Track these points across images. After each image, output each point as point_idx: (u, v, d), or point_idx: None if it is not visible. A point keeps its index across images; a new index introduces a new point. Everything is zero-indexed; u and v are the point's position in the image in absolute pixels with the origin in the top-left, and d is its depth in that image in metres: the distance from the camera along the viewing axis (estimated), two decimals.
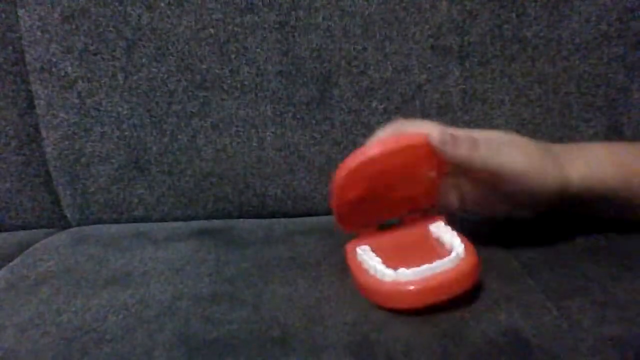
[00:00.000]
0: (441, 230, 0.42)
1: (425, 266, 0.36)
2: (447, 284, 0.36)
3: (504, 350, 0.34)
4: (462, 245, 0.38)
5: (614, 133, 0.55)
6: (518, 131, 0.55)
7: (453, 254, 0.37)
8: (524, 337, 0.35)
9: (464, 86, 0.55)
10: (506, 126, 0.55)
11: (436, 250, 0.41)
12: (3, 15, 0.55)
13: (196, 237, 0.52)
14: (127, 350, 0.35)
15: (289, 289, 0.41)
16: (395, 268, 0.37)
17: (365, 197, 0.41)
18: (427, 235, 0.43)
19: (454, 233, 0.41)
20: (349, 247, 0.43)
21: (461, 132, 0.40)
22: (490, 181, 0.40)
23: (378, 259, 0.39)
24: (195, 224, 0.56)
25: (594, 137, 0.55)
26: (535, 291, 0.40)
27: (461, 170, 0.40)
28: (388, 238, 0.43)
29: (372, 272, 0.39)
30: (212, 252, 0.48)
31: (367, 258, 0.40)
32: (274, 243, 0.50)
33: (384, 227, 0.44)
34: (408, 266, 0.37)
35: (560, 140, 0.55)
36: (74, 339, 0.37)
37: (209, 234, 0.53)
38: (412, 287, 0.36)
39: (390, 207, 0.43)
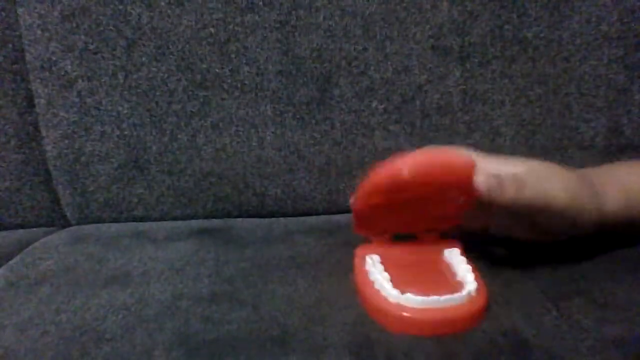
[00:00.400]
0: (455, 258, 0.40)
1: (434, 297, 0.35)
2: (452, 322, 0.35)
3: (504, 350, 0.34)
4: (475, 284, 0.37)
5: (614, 134, 0.55)
6: (518, 132, 0.56)
7: (464, 292, 0.36)
8: (524, 337, 0.35)
9: (464, 87, 0.55)
10: (506, 127, 0.55)
11: (447, 279, 0.39)
12: (3, 14, 0.55)
13: (196, 236, 0.52)
14: (127, 350, 0.35)
15: (289, 288, 0.41)
16: (401, 288, 0.36)
17: (389, 205, 0.39)
18: (440, 259, 0.41)
19: (469, 267, 0.39)
20: (359, 252, 0.42)
21: (504, 170, 0.38)
22: (527, 214, 0.39)
23: (386, 275, 0.38)
24: (194, 224, 0.56)
25: (595, 138, 0.55)
26: (535, 291, 0.40)
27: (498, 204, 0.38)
28: (400, 252, 0.42)
29: (377, 286, 0.37)
30: (211, 252, 0.48)
31: (375, 270, 0.38)
32: (274, 243, 0.49)
33: (398, 238, 0.43)
34: (415, 290, 0.36)
35: (560, 140, 0.55)
36: (74, 338, 0.37)
37: (209, 233, 0.53)
38: (415, 316, 0.35)
39: (410, 220, 0.42)
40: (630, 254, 0.43)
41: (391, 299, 0.36)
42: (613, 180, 0.43)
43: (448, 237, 0.43)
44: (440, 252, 0.41)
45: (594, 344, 0.34)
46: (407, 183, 0.36)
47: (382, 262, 0.39)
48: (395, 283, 0.37)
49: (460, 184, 0.38)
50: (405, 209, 0.40)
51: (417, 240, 0.43)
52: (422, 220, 0.42)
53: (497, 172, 0.38)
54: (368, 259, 0.40)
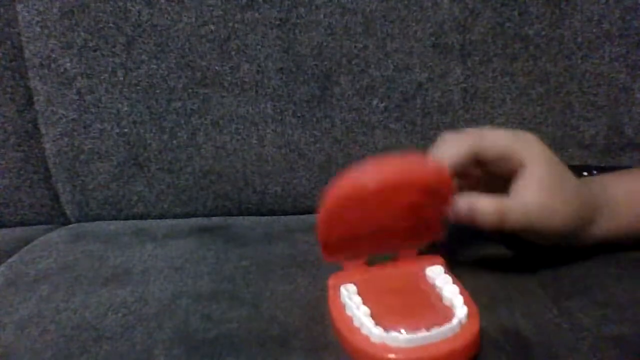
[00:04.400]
0: (439, 278, 0.36)
1: (422, 334, 0.31)
2: (444, 357, 0.31)
3: (504, 349, 0.34)
4: (465, 309, 0.33)
5: (615, 132, 0.55)
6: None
7: (454, 321, 0.32)
8: (524, 336, 0.35)
9: (465, 85, 0.54)
10: (507, 125, 0.55)
11: (433, 305, 0.35)
12: (2, 11, 0.55)
13: (196, 234, 0.52)
14: (127, 348, 0.35)
15: (289, 287, 0.41)
16: (384, 323, 0.32)
17: (357, 222, 0.35)
18: (423, 280, 0.37)
19: (456, 288, 0.35)
20: (331, 282, 0.37)
21: (487, 201, 0.36)
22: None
23: (365, 309, 0.33)
24: (194, 222, 0.56)
25: (595, 137, 0.55)
26: (536, 290, 0.39)
27: None
28: (378, 278, 0.37)
29: (356, 323, 0.33)
30: (211, 250, 0.48)
31: (353, 304, 0.34)
32: (274, 241, 0.49)
33: (374, 261, 0.38)
34: (399, 323, 0.32)
35: (561, 139, 0.55)
36: (73, 336, 0.37)
37: (209, 231, 0.53)
38: (402, 357, 0.31)
39: (385, 238, 0.37)
40: (630, 254, 0.43)
41: (374, 339, 0.32)
42: (622, 192, 0.42)
43: (429, 252, 0.39)
44: (422, 272, 0.37)
45: (595, 343, 0.34)
46: (372, 194, 0.33)
47: (359, 293, 0.35)
48: (376, 317, 0.32)
49: (434, 194, 0.35)
50: (376, 227, 0.36)
51: (394, 260, 0.39)
52: (396, 236, 0.37)
53: (476, 203, 0.36)
54: (343, 289, 0.36)
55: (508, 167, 0.38)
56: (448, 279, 0.36)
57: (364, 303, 0.34)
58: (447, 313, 0.33)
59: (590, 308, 0.37)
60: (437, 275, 0.37)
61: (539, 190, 0.37)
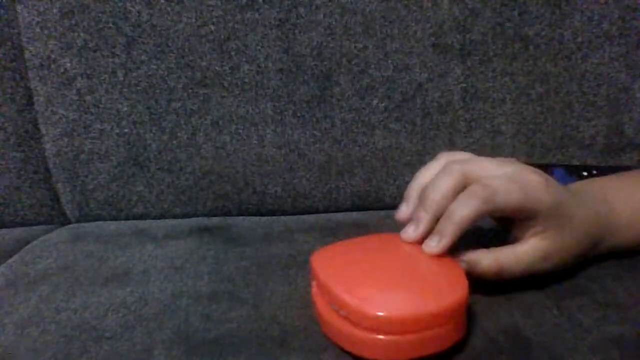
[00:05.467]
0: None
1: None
2: (443, 337, 0.32)
3: (504, 348, 0.34)
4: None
5: (615, 133, 0.55)
6: (518, 130, 0.55)
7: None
8: (524, 335, 0.35)
9: (465, 85, 0.54)
10: (507, 125, 0.55)
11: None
12: (2, 11, 0.55)
13: (196, 234, 0.52)
14: (127, 348, 0.35)
15: (289, 287, 0.41)
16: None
17: None
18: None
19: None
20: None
21: (485, 257, 0.37)
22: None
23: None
24: (194, 222, 0.56)
25: (595, 137, 0.55)
26: (536, 290, 0.39)
27: None
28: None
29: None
30: (211, 250, 0.48)
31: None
32: (274, 241, 0.49)
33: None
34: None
35: (561, 139, 0.55)
36: (73, 336, 0.37)
37: (209, 231, 0.53)
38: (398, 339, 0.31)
39: None
40: (630, 254, 0.43)
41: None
42: (625, 205, 0.42)
43: None
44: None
45: (595, 343, 0.34)
46: None
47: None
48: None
49: None
50: None
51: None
52: None
53: (477, 259, 0.37)
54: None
55: (517, 217, 0.38)
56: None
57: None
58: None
59: (590, 308, 0.37)
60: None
61: (538, 241, 0.38)
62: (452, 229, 0.36)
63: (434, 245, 0.36)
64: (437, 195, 0.37)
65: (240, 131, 0.55)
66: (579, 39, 0.53)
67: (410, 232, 0.37)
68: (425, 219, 0.37)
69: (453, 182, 0.37)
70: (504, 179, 0.37)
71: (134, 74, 0.54)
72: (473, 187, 0.37)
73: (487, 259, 0.37)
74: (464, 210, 0.36)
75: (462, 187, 0.37)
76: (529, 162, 0.42)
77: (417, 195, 0.39)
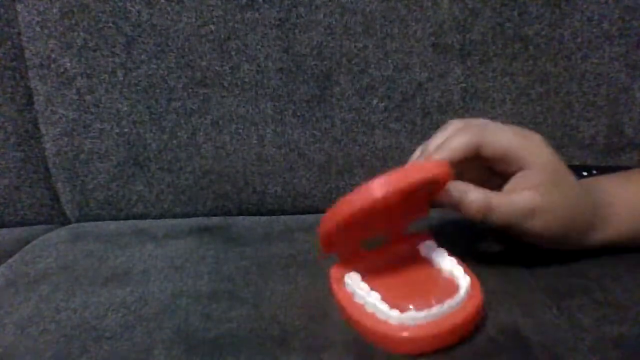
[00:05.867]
0: (434, 252, 0.39)
1: (435, 309, 0.33)
2: (461, 327, 0.34)
3: (504, 348, 0.34)
4: (468, 278, 0.36)
5: (614, 132, 0.55)
6: None
7: (462, 291, 0.34)
8: (524, 335, 0.35)
9: (464, 84, 0.54)
10: None
11: (435, 278, 0.37)
12: (2, 11, 0.55)
13: (196, 234, 0.52)
14: (127, 348, 0.35)
15: (289, 286, 0.41)
16: (396, 305, 0.34)
17: (360, 227, 0.37)
18: (419, 257, 0.39)
19: (453, 259, 0.38)
20: (334, 273, 0.38)
21: (476, 192, 0.36)
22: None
23: (376, 294, 0.35)
24: (194, 221, 0.56)
25: (595, 137, 0.55)
26: (536, 290, 0.39)
27: None
28: (376, 261, 0.39)
29: (369, 309, 0.35)
30: (211, 250, 0.48)
31: (361, 292, 0.35)
32: (274, 240, 0.49)
33: (368, 246, 0.40)
34: (411, 303, 0.34)
35: (561, 139, 0.55)
36: (73, 336, 0.37)
37: (209, 231, 0.53)
38: (422, 333, 0.33)
39: (377, 227, 0.39)
40: (630, 254, 0.43)
41: (392, 321, 0.33)
42: (622, 198, 0.41)
43: (416, 229, 0.41)
44: (416, 249, 0.40)
45: (594, 343, 0.34)
46: (380, 203, 0.33)
47: (364, 280, 0.36)
48: (387, 300, 0.34)
49: (432, 184, 0.36)
50: (377, 223, 0.38)
51: (386, 242, 0.40)
52: (388, 223, 0.39)
53: (489, 203, 0.36)
54: (347, 279, 0.37)
55: (508, 168, 0.38)
56: (443, 251, 0.38)
57: (372, 289, 0.35)
58: (450, 284, 0.36)
59: (590, 308, 0.37)
60: (431, 249, 0.39)
61: (530, 194, 0.37)
62: (440, 154, 0.37)
63: (417, 157, 0.39)
64: (433, 143, 0.39)
65: (240, 131, 0.55)
66: (579, 39, 0.53)
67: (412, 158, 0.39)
68: (425, 153, 0.39)
69: (449, 133, 0.39)
70: (500, 125, 0.39)
71: (134, 74, 0.54)
72: (469, 125, 0.39)
73: (476, 192, 0.37)
74: (455, 140, 0.37)
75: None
76: None
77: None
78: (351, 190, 0.33)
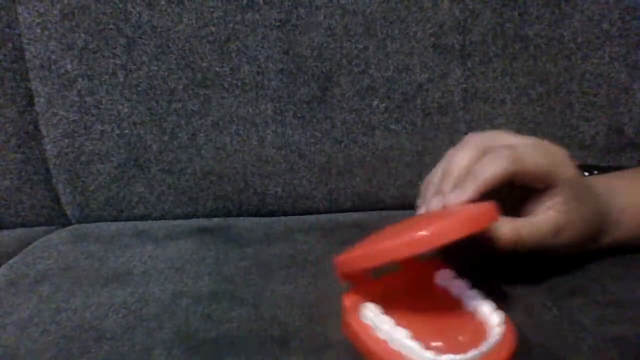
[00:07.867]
0: (454, 284, 0.36)
1: (473, 352, 0.30)
2: None
3: None
4: (498, 315, 0.33)
5: (615, 133, 0.55)
6: (519, 130, 0.55)
7: (496, 331, 0.32)
8: (524, 335, 0.35)
9: (465, 85, 0.54)
10: (507, 125, 0.55)
11: (463, 315, 0.35)
12: (2, 12, 0.55)
13: (196, 235, 0.52)
14: (127, 349, 0.35)
15: (289, 287, 0.41)
16: (427, 345, 0.31)
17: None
18: (438, 288, 0.37)
19: (477, 293, 0.35)
20: (348, 302, 0.35)
21: (504, 223, 0.35)
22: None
23: (405, 332, 0.32)
24: (195, 222, 0.56)
25: (595, 137, 0.55)
26: (536, 290, 0.39)
27: None
28: (394, 292, 0.36)
29: (394, 346, 0.32)
30: (212, 251, 0.48)
31: (386, 326, 0.32)
32: (274, 241, 0.49)
33: (381, 273, 0.37)
34: (436, 341, 0.31)
35: (561, 139, 0.55)
36: (74, 337, 0.37)
37: (209, 232, 0.53)
38: None
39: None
40: (630, 254, 0.43)
41: None
42: (634, 204, 0.41)
43: (430, 257, 0.38)
44: (430, 276, 0.37)
45: (594, 343, 0.34)
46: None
47: (386, 313, 0.33)
48: (417, 338, 0.31)
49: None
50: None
51: (400, 269, 0.38)
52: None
53: (518, 232, 0.35)
54: (367, 311, 0.34)
55: (534, 186, 0.37)
56: (462, 284, 0.36)
57: (395, 322, 0.33)
58: (479, 323, 0.33)
59: (590, 308, 0.37)
60: (449, 280, 0.37)
61: (555, 215, 0.37)
62: (473, 184, 0.34)
63: (453, 197, 0.35)
64: (457, 165, 0.36)
65: (241, 132, 0.55)
66: (579, 39, 0.53)
67: (435, 202, 0.36)
68: (448, 188, 0.36)
69: (473, 153, 0.36)
70: (528, 145, 0.37)
71: (135, 75, 0.54)
72: (498, 148, 0.36)
73: (506, 225, 0.35)
74: (489, 169, 0.35)
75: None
76: None
77: (432, 186, 0.38)
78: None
